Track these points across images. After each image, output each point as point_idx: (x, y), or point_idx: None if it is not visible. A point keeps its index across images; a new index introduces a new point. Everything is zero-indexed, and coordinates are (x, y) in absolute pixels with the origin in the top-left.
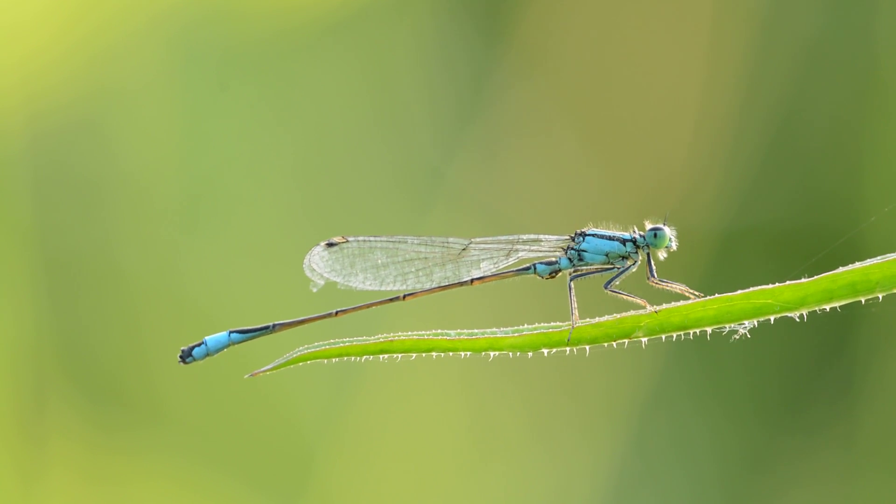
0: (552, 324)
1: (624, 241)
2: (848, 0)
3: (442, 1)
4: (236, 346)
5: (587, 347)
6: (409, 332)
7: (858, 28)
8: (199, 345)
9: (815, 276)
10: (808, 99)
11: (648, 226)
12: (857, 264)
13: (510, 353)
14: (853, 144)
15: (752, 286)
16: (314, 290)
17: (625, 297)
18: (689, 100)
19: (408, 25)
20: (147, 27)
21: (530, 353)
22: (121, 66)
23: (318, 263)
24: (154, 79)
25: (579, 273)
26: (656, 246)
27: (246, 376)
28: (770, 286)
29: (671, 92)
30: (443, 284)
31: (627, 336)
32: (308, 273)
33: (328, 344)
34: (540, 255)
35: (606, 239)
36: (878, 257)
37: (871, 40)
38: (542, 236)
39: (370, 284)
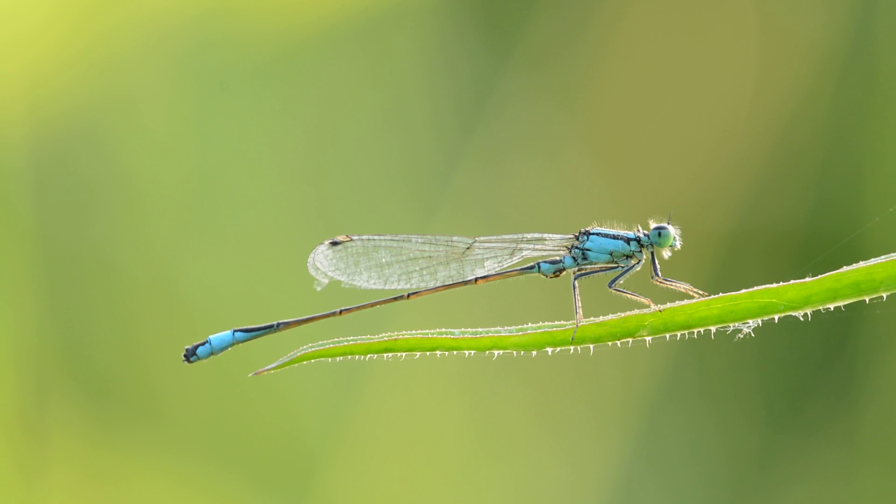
0: (556, 323)
1: (628, 240)
2: (849, 3)
3: (446, 6)
4: (240, 344)
5: (591, 346)
6: (413, 331)
7: (860, 31)
8: (203, 344)
9: (820, 276)
10: (812, 102)
11: (653, 225)
12: (861, 263)
13: (514, 352)
14: (856, 147)
15: (757, 285)
16: (318, 288)
17: (629, 296)
18: (694, 101)
19: (413, 29)
20: (148, 35)
21: (534, 353)
22: (122, 73)
23: (323, 262)
24: (155, 84)
25: (583, 272)
26: (660, 245)
27: (250, 375)
28: (774, 285)
29: (675, 94)
30: (447, 283)
31: (632, 335)
32: (312, 272)
33: (332, 343)
34: (544, 254)
35: (611, 238)
36: (883, 257)
37: (873, 43)
38: (546, 235)
39: (374, 283)
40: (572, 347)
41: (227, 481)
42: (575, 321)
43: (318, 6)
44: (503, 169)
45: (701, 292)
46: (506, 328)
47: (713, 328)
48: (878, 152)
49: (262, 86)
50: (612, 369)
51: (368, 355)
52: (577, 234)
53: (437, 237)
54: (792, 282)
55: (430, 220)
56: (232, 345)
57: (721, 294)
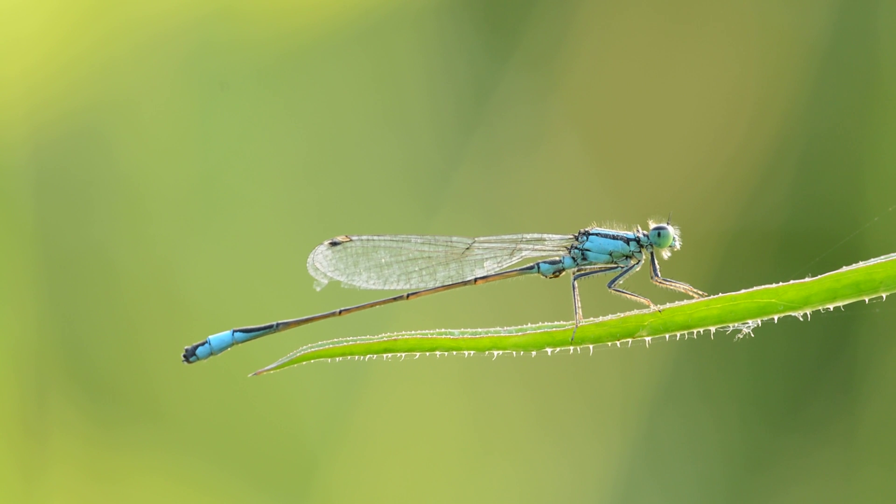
0: (556, 323)
1: (628, 241)
2: (849, 4)
3: (446, 7)
4: (240, 345)
5: (591, 347)
6: (413, 332)
7: (860, 32)
8: (202, 344)
9: (819, 276)
10: (811, 101)
11: (652, 225)
12: (861, 264)
13: (514, 353)
14: (856, 147)
15: (756, 286)
16: (318, 289)
17: (628, 296)
18: (694, 101)
19: (413, 32)
20: (150, 37)
21: (534, 353)
22: (123, 76)
23: (322, 262)
24: (157, 86)
25: (583, 272)
26: (660, 245)
27: (249, 375)
28: (774, 285)
29: (675, 94)
30: (446, 284)
31: (631, 335)
32: (312, 272)
33: (332, 343)
34: (544, 254)
35: (610, 238)
36: (882, 257)
37: (873, 44)
38: (545, 235)
39: (374, 283)
40: (572, 348)
41: (227, 481)
42: (574, 321)
43: (319, 10)
44: (503, 169)
45: (700, 292)
46: (505, 328)
47: (713, 328)
48: (878, 151)
49: (263, 87)
50: (611, 370)
51: (368, 356)
52: (576, 234)
53: (437, 237)
54: (791, 282)
55: (429, 220)
56: (231, 345)
57: (720, 294)
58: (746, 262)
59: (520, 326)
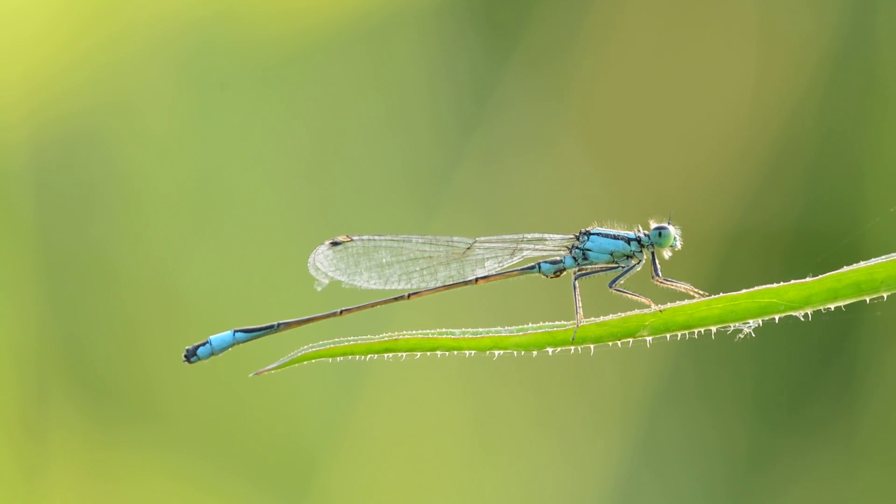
0: (557, 323)
1: (629, 241)
2: (849, 3)
3: (446, 7)
4: (241, 345)
5: (591, 346)
6: (414, 331)
7: (860, 31)
8: (203, 344)
9: (820, 276)
10: (813, 102)
11: (653, 225)
12: (862, 263)
13: (515, 353)
14: (857, 147)
15: (757, 285)
16: (319, 289)
17: (629, 296)
18: (693, 100)
19: (413, 32)
20: (151, 38)
21: (535, 353)
22: (124, 77)
23: (323, 262)
24: (157, 87)
25: (584, 272)
26: (661, 245)
27: (250, 375)
28: (775, 285)
29: (676, 93)
30: (447, 283)
31: (632, 335)
32: (312, 272)
33: (332, 343)
34: (545, 254)
35: (611, 238)
36: (883, 257)
37: (873, 43)
38: (546, 235)
39: (375, 283)
40: (573, 347)
41: (227, 481)
42: (575, 321)
43: (320, 12)
44: (503, 169)
45: (701, 292)
46: (506, 328)
47: (713, 328)
48: (879, 152)
49: (263, 88)
50: (612, 370)
51: (369, 355)
52: (577, 234)
53: (438, 237)
54: (792, 282)
55: (430, 219)
56: (232, 345)
57: (721, 294)
58: (747, 262)
59: (521, 326)
